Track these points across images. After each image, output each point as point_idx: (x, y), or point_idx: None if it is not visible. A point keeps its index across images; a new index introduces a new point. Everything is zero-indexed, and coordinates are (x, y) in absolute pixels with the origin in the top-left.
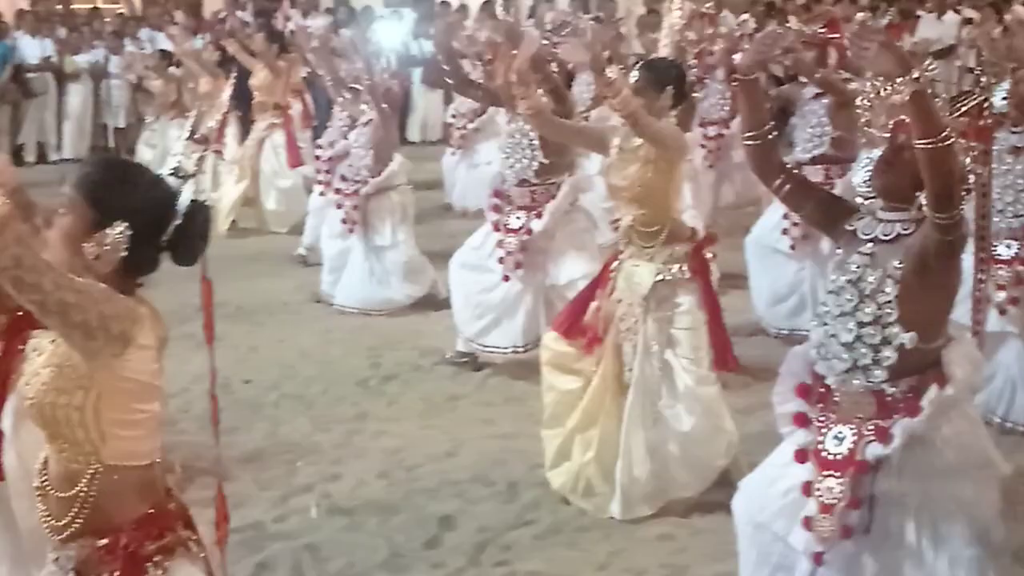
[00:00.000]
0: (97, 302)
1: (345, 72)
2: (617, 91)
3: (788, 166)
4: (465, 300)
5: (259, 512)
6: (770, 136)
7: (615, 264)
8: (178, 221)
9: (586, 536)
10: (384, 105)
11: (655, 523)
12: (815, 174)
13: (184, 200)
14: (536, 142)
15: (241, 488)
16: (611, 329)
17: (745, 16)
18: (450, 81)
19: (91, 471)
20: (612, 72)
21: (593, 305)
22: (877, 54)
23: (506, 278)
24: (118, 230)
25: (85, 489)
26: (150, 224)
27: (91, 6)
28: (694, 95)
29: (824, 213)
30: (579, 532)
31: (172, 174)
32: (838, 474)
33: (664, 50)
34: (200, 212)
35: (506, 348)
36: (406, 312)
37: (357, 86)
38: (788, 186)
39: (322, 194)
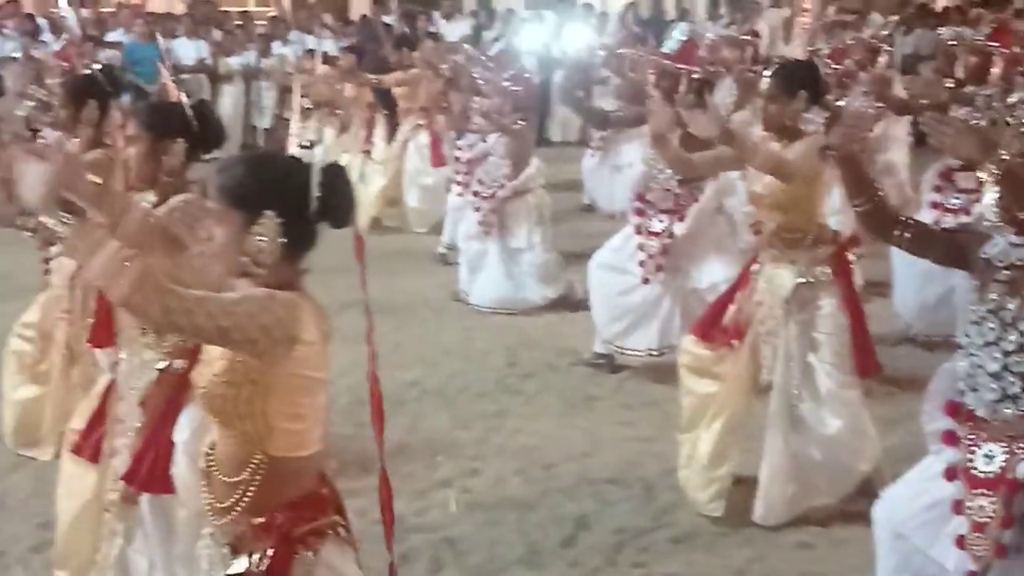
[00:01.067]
0: (254, 316)
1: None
2: (755, 148)
3: (902, 217)
4: (604, 301)
5: (400, 505)
6: (877, 198)
7: (755, 267)
8: (317, 191)
9: (724, 541)
10: (516, 123)
11: (794, 531)
12: None
13: (315, 168)
14: None
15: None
16: (750, 332)
17: (893, 18)
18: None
19: (256, 460)
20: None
21: (733, 308)
22: (957, 139)
23: (646, 281)
24: (268, 220)
25: (249, 476)
26: (293, 201)
27: (242, 9)
28: (837, 103)
29: (951, 251)
30: (717, 537)
31: (302, 147)
32: (989, 493)
33: (796, 51)
34: (334, 172)
35: (642, 351)
36: (544, 312)
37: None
38: (908, 235)
39: (460, 195)
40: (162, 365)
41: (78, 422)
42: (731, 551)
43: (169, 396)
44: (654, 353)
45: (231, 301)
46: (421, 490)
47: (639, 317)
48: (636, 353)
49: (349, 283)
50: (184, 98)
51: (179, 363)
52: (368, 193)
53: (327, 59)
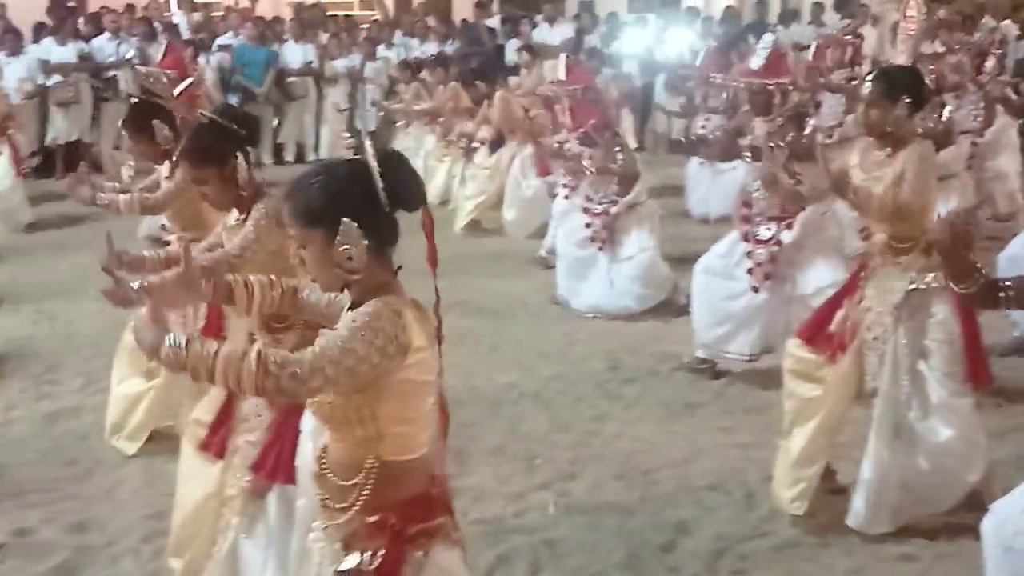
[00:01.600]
0: (371, 344)
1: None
2: (868, 200)
3: (1000, 281)
4: (706, 306)
5: (498, 507)
6: (981, 279)
7: (865, 272)
8: (381, 182)
9: (826, 551)
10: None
11: (898, 542)
12: None
13: (371, 160)
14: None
15: (481, 482)
16: (856, 338)
17: (1007, 22)
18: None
19: (369, 464)
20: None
21: (840, 313)
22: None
23: (755, 290)
24: (347, 228)
25: (362, 480)
26: (363, 202)
27: (347, 13)
28: (946, 108)
29: None
30: (819, 547)
31: (350, 136)
32: None
33: (901, 58)
34: (391, 160)
35: (739, 355)
36: (645, 317)
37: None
38: (1011, 294)
39: (567, 197)
40: None
41: (203, 416)
42: (832, 561)
43: None
44: (752, 357)
45: (344, 339)
46: (519, 492)
47: (741, 323)
48: (732, 357)
49: (447, 283)
50: (206, 111)
51: None
52: (467, 196)
53: (433, 65)
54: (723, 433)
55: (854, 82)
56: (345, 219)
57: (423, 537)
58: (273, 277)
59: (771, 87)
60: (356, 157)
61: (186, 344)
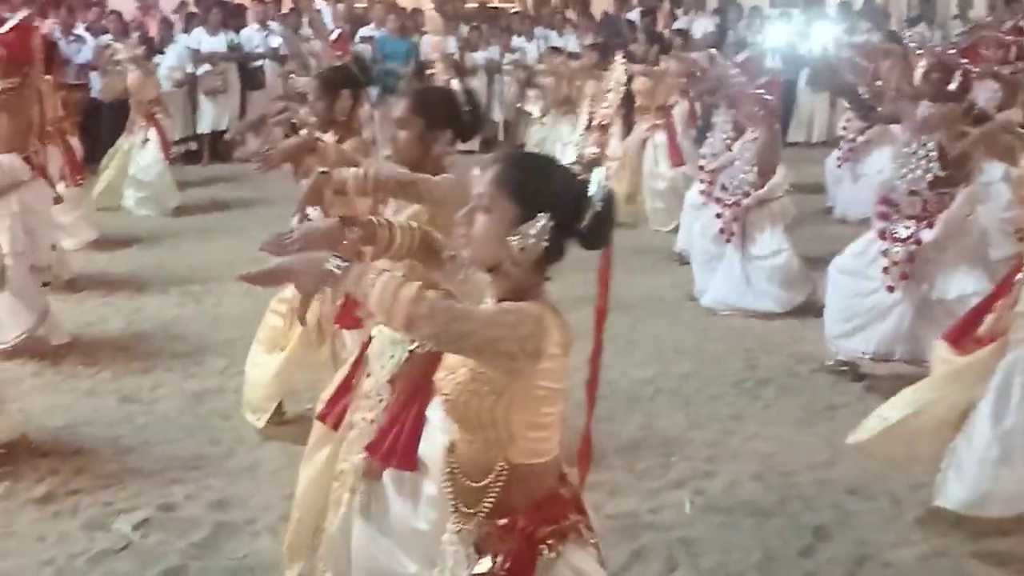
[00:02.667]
0: (514, 328)
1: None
2: None
3: None
4: (836, 302)
5: (634, 502)
6: None
7: (1020, 275)
8: (596, 209)
9: (973, 562)
10: (772, 123)
11: None
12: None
13: (596, 187)
14: (933, 153)
15: (616, 477)
16: (1000, 338)
17: None
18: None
19: (499, 466)
20: None
21: (991, 317)
22: None
23: (890, 289)
24: (542, 222)
25: (491, 481)
26: (569, 214)
27: (488, 5)
28: None
29: None
30: (966, 557)
31: (575, 163)
32: None
33: None
34: (612, 198)
35: (859, 352)
36: (784, 316)
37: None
38: None
39: (701, 192)
40: (413, 346)
41: (329, 391)
42: (986, 571)
43: (418, 376)
44: (865, 356)
45: (494, 312)
46: (655, 489)
47: (867, 320)
48: (854, 353)
49: (585, 279)
50: (456, 84)
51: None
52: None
53: (570, 55)
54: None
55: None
56: (546, 216)
57: (555, 537)
58: (414, 223)
59: (959, 67)
60: (582, 177)
61: (348, 266)
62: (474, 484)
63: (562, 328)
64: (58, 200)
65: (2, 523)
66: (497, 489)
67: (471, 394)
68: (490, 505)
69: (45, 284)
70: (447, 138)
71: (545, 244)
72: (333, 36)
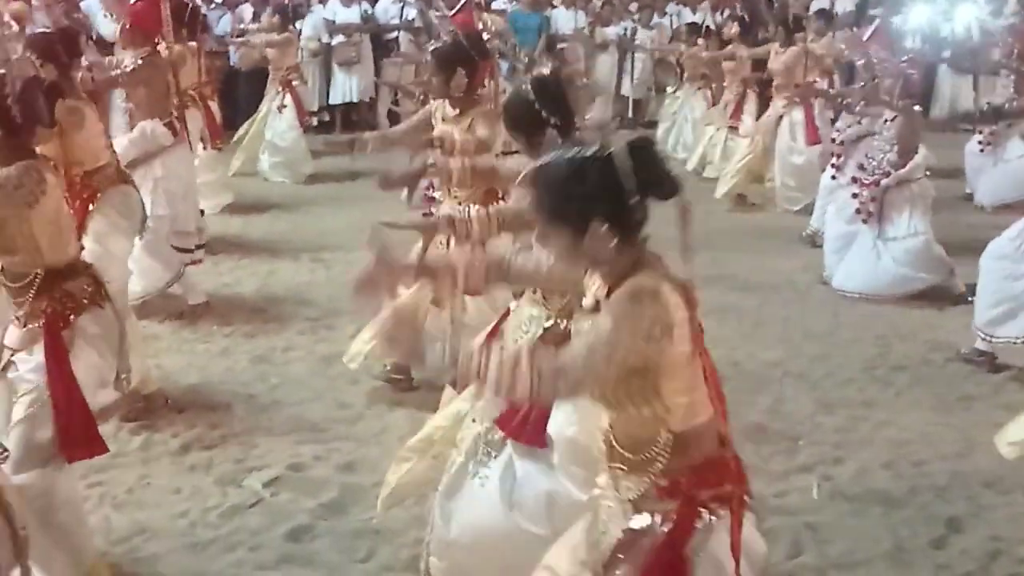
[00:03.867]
0: (636, 331)
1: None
2: None
3: None
4: (988, 287)
5: (760, 485)
6: None
7: None
8: (627, 170)
9: None
10: (911, 104)
11: None
12: None
13: (620, 157)
14: None
15: (742, 459)
16: None
17: None
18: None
19: (663, 439)
20: None
21: None
22: None
23: None
24: (595, 231)
25: (660, 452)
26: (613, 200)
27: None
28: None
29: None
30: None
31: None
32: None
33: None
34: (639, 150)
35: (1012, 338)
36: (919, 303)
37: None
38: None
39: (834, 177)
40: (548, 324)
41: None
42: None
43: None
44: (1019, 342)
45: (609, 332)
46: (782, 472)
47: (1019, 306)
48: (1006, 341)
49: (711, 257)
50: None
51: (565, 322)
52: (731, 168)
53: (708, 32)
54: (1001, 429)
55: None
56: (595, 222)
57: (716, 501)
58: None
59: None
60: (605, 151)
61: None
62: (639, 457)
63: (679, 288)
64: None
65: (140, 474)
66: (663, 458)
67: (619, 381)
68: (659, 471)
69: (200, 247)
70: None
71: (614, 241)
72: (458, 6)
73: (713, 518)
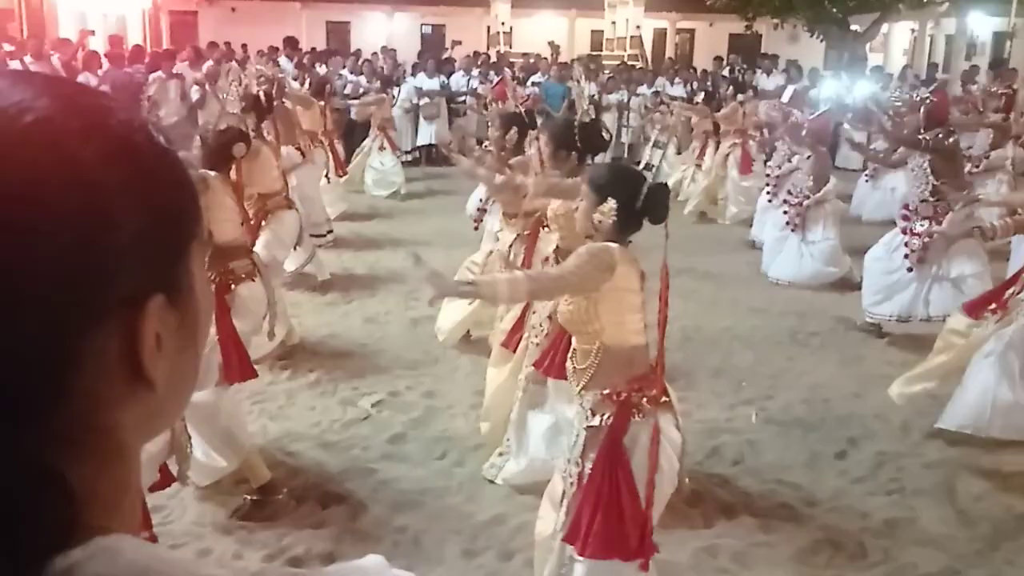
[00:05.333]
0: (584, 264)
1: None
2: None
3: None
4: (871, 279)
5: (714, 413)
6: None
7: None
8: (645, 195)
9: (966, 473)
10: (820, 147)
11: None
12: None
13: (647, 182)
14: (928, 170)
15: (702, 395)
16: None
17: None
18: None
19: (595, 347)
20: None
21: (1008, 292)
22: None
23: (910, 270)
24: (610, 204)
25: (592, 360)
26: (627, 198)
27: (618, 60)
28: None
29: None
30: (961, 468)
31: (645, 168)
32: None
33: None
34: (659, 190)
35: (887, 316)
36: (829, 289)
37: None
38: None
39: (770, 200)
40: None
41: (506, 325)
42: (970, 480)
43: None
44: (899, 319)
45: (577, 265)
46: (731, 404)
47: (891, 293)
48: (881, 317)
49: (680, 255)
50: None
51: None
52: (697, 192)
53: (680, 99)
54: (885, 378)
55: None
56: (611, 199)
57: (646, 404)
58: None
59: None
60: (643, 173)
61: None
62: (582, 367)
63: (627, 255)
64: (339, 172)
65: (286, 397)
66: (596, 363)
67: (572, 304)
68: (591, 377)
69: (329, 232)
70: (574, 158)
71: (614, 218)
72: (496, 81)
73: (641, 416)
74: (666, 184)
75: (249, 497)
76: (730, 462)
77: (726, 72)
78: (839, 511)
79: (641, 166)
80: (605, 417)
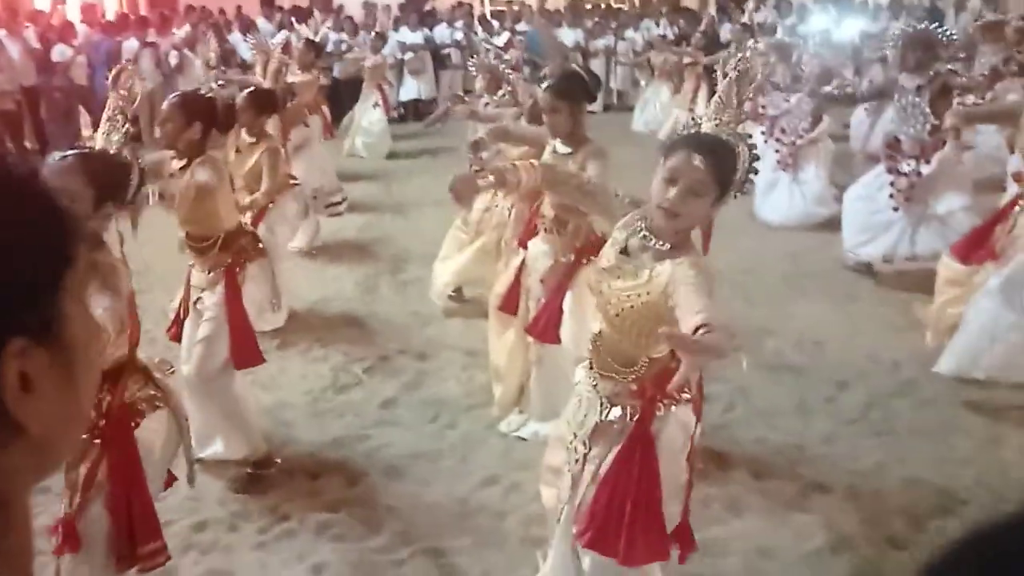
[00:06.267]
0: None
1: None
2: None
3: None
4: (855, 219)
5: None
6: None
7: (1017, 205)
8: (746, 174)
9: (963, 411)
10: (819, 88)
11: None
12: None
13: (746, 157)
14: (927, 109)
15: None
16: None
17: None
18: None
19: (644, 361)
20: None
21: (992, 237)
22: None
23: (895, 209)
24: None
25: (638, 369)
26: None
27: (604, 4)
28: None
29: None
30: (954, 406)
31: (728, 135)
32: None
33: None
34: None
35: (876, 256)
36: (820, 229)
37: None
38: None
39: (765, 142)
40: (558, 256)
41: (500, 289)
42: (963, 415)
43: (561, 278)
44: (886, 259)
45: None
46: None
47: (878, 233)
48: (869, 259)
49: None
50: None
51: (570, 256)
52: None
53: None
54: (877, 318)
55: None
56: (729, 193)
57: (667, 399)
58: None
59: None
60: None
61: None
62: (621, 367)
63: None
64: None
65: (278, 366)
66: (641, 373)
67: (639, 317)
68: (633, 381)
69: (344, 200)
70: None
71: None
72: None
73: (666, 409)
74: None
75: (245, 470)
76: (721, 410)
77: (713, 11)
78: (829, 455)
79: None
80: (629, 412)
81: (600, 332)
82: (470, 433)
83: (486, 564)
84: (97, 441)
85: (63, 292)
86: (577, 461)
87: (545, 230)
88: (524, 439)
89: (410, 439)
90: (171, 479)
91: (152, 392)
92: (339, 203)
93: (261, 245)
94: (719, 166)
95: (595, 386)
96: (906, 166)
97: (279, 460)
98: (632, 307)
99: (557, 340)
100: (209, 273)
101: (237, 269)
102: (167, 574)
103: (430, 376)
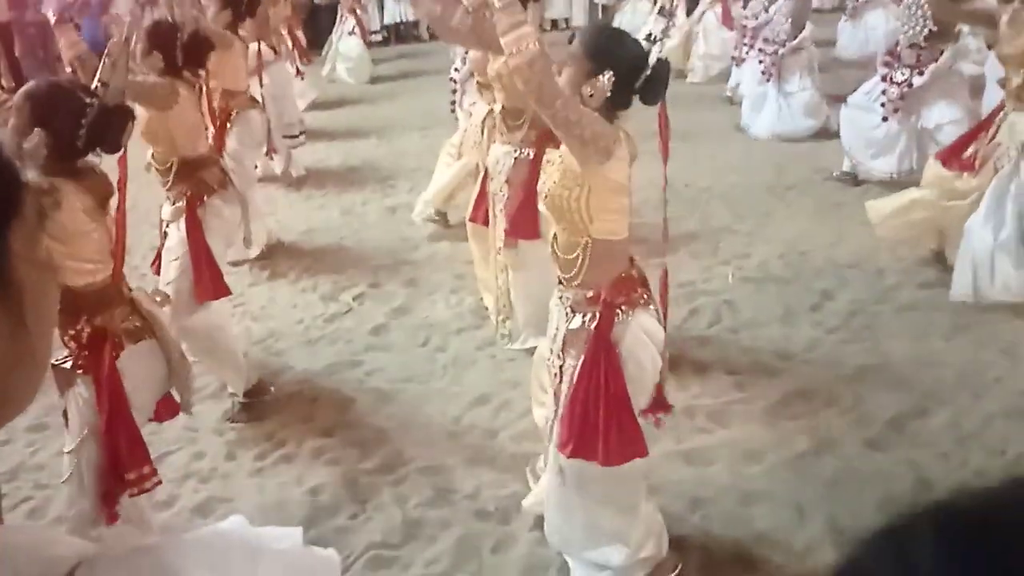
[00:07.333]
0: (592, 123)
1: None
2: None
3: None
4: (857, 134)
5: (692, 274)
6: None
7: (1000, 114)
8: (647, 72)
9: (939, 314)
10: None
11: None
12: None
13: (653, 58)
14: (928, 12)
15: (679, 258)
16: (989, 163)
17: None
18: None
19: (584, 241)
20: None
21: (973, 145)
22: None
23: (884, 119)
24: (607, 76)
25: (581, 253)
26: (629, 73)
27: None
28: None
29: None
30: (933, 310)
31: (646, 39)
32: None
33: None
34: (664, 67)
35: (885, 173)
36: (805, 139)
37: None
38: None
39: (747, 53)
40: (517, 153)
41: (472, 200)
42: (943, 319)
43: (523, 176)
44: (894, 175)
45: (581, 108)
46: (707, 265)
47: (883, 148)
48: (879, 174)
49: (653, 114)
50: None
51: (529, 151)
52: (670, 49)
53: None
54: (862, 226)
55: None
56: (609, 71)
57: (627, 305)
58: None
59: None
60: (646, 49)
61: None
62: (568, 257)
63: (630, 141)
64: (299, 73)
65: (268, 296)
66: (586, 259)
67: (561, 188)
68: (581, 273)
69: (302, 133)
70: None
71: (608, 93)
72: None
73: (625, 316)
74: (668, 61)
75: (238, 399)
76: (707, 323)
77: None
78: (813, 362)
79: (641, 36)
80: (588, 319)
81: (554, 234)
82: (460, 355)
83: (478, 480)
84: (80, 371)
85: (10, 238)
86: (555, 375)
87: (500, 133)
88: (526, 350)
89: (401, 363)
90: (175, 408)
91: (137, 324)
92: (296, 135)
93: (225, 175)
94: (592, 41)
95: (561, 297)
96: (900, 75)
97: (273, 388)
98: (554, 183)
99: (536, 235)
100: (174, 204)
101: (198, 202)
102: (167, 504)
103: (420, 301)
